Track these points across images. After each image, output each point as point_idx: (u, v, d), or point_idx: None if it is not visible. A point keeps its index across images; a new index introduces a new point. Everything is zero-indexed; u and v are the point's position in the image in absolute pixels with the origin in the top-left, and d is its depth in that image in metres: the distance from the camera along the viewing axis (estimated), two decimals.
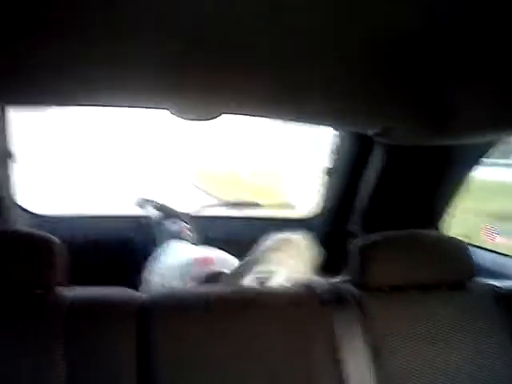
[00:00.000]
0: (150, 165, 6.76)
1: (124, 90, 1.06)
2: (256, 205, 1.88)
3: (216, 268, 1.28)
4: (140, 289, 1.38)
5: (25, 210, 1.71)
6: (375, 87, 0.94)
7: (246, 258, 1.17)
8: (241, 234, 1.74)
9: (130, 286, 1.08)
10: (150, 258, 1.51)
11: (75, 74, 0.90)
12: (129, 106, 1.27)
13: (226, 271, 1.26)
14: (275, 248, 1.13)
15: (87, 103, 1.24)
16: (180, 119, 1.21)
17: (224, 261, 1.34)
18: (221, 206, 1.90)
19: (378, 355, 1.03)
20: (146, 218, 1.78)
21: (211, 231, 1.77)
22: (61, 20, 0.64)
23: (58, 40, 0.71)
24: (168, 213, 1.74)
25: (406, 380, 1.02)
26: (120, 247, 1.70)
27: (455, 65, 0.77)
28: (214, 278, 1.24)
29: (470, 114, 1.04)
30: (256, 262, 1.13)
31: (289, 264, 1.13)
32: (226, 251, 1.46)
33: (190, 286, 1.25)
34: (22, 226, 1.59)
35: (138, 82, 0.96)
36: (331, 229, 1.79)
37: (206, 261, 1.32)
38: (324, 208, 1.81)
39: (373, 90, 0.96)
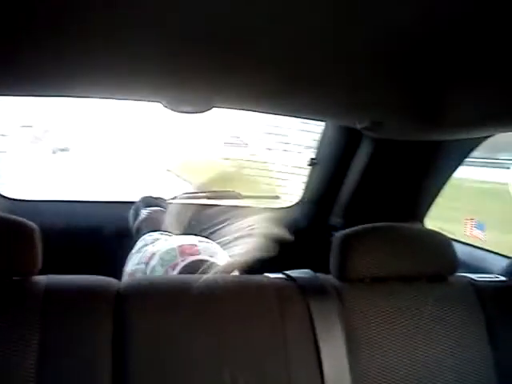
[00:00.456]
0: (131, 154, 6.70)
1: (117, 83, 1.04)
2: (238, 194, 1.86)
3: (202, 256, 1.26)
4: (121, 278, 1.35)
5: (2, 196, 1.67)
6: (365, 81, 0.93)
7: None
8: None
9: (109, 275, 1.04)
10: (131, 249, 1.48)
11: (69, 67, 0.88)
12: (121, 99, 1.26)
13: (214, 260, 1.24)
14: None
15: (80, 95, 1.23)
16: (172, 112, 1.19)
17: (208, 248, 1.32)
18: (201, 194, 1.86)
19: (356, 346, 1.02)
20: (130, 204, 1.75)
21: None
22: (57, 12, 0.63)
23: (52, 33, 0.70)
24: (152, 203, 1.70)
25: (384, 372, 1.02)
26: (101, 235, 1.67)
27: (446, 61, 0.77)
28: (200, 266, 1.22)
29: (459, 110, 1.04)
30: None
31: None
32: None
33: (172, 274, 1.22)
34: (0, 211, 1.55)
35: (131, 74, 0.94)
36: (313, 220, 1.79)
37: (190, 249, 1.29)
38: (307, 199, 1.81)
39: (362, 84, 0.95)
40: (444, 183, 1.52)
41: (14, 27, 0.69)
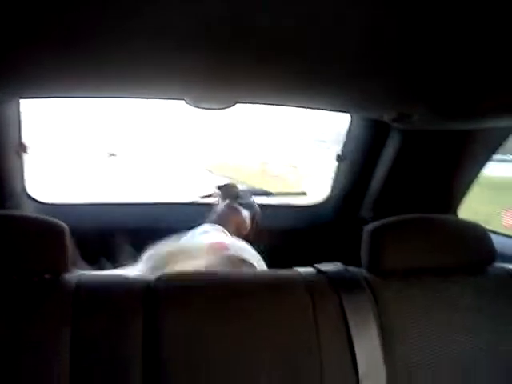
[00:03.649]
0: (168, 155, 6.76)
1: (139, 82, 1.02)
2: (267, 193, 1.82)
3: (230, 252, 1.22)
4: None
5: (34, 200, 1.68)
6: (392, 71, 0.87)
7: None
8: None
9: None
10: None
11: (92, 66, 0.86)
12: (144, 97, 1.24)
13: (242, 255, 1.20)
14: None
15: (103, 95, 1.21)
16: (195, 109, 1.18)
17: (238, 247, 1.28)
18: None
19: (390, 339, 0.96)
20: (156, 205, 1.72)
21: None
22: (76, 12, 0.61)
23: (72, 32, 0.68)
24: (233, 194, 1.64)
25: (419, 367, 0.96)
26: (130, 236, 1.66)
27: (475, 47, 0.70)
28: (227, 261, 1.18)
29: (489, 97, 0.96)
30: None
31: None
32: None
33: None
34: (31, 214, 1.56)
35: (153, 72, 0.92)
36: (342, 214, 1.73)
37: (220, 246, 1.26)
38: (335, 194, 1.75)
39: (390, 74, 0.89)
40: (477, 173, 1.43)
41: (28, 28, 0.67)
